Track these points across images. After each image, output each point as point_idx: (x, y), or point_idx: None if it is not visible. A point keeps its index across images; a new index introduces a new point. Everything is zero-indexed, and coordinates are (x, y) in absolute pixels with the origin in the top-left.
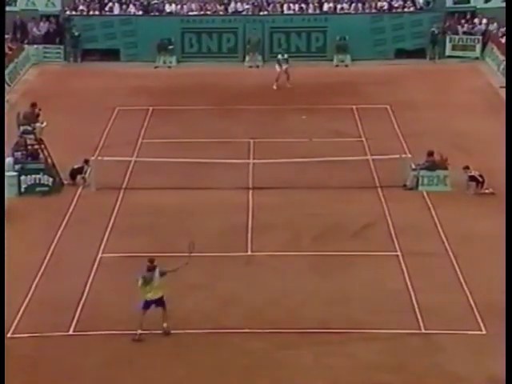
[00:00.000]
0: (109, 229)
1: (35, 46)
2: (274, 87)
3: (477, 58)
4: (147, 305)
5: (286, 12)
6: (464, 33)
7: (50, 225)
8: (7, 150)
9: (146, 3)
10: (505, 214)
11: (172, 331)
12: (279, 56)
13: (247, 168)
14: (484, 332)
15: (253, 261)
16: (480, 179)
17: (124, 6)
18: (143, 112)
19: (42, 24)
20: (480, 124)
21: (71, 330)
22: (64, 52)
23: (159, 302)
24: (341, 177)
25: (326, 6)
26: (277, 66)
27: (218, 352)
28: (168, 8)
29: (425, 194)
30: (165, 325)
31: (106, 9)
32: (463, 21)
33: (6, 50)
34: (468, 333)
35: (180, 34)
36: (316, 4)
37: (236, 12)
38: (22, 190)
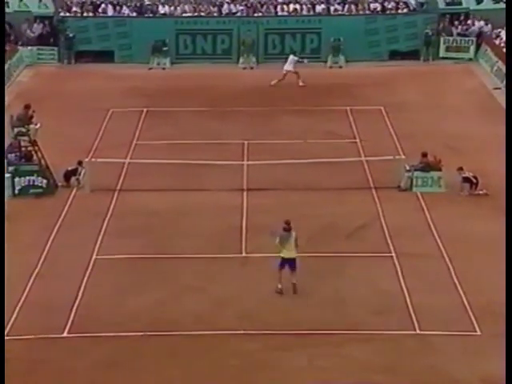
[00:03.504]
0: (103, 230)
1: (29, 47)
2: (301, 84)
3: (470, 60)
4: (283, 263)
5: (279, 13)
6: (458, 34)
7: (44, 227)
8: None
9: (139, 5)
10: (499, 215)
11: (165, 333)
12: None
13: (242, 169)
14: (479, 333)
15: (247, 262)
16: (474, 180)
17: (118, 8)
18: (137, 113)
19: (35, 25)
20: (474, 125)
21: (65, 332)
22: (58, 53)
23: (292, 264)
24: (335, 178)
25: (319, 8)
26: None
27: (212, 353)
28: (161, 9)
29: (419, 195)
30: (294, 280)
31: (100, 10)
32: (457, 22)
33: None
34: (463, 334)
35: (174, 36)
36: (309, 5)
37: (230, 13)
38: (16, 191)
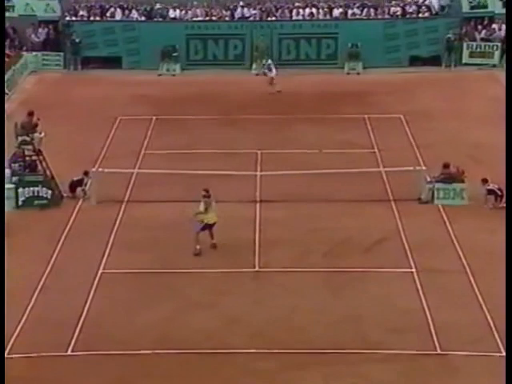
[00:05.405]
0: (110, 244)
1: (34, 53)
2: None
3: (494, 66)
4: (205, 228)
5: (294, 18)
6: (482, 39)
7: (49, 239)
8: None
9: (149, 9)
10: None
11: (175, 351)
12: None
13: (254, 180)
14: (504, 353)
15: (260, 277)
16: (499, 192)
17: (126, 12)
18: (146, 122)
19: (40, 30)
20: (498, 135)
21: (69, 349)
22: (64, 59)
23: (211, 227)
24: (352, 190)
25: (336, 12)
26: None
27: (224, 372)
28: (172, 14)
29: (440, 208)
30: (214, 241)
31: (108, 14)
32: (480, 27)
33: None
34: (486, 354)
35: (185, 41)
36: (326, 9)
37: (243, 18)
38: (20, 203)
